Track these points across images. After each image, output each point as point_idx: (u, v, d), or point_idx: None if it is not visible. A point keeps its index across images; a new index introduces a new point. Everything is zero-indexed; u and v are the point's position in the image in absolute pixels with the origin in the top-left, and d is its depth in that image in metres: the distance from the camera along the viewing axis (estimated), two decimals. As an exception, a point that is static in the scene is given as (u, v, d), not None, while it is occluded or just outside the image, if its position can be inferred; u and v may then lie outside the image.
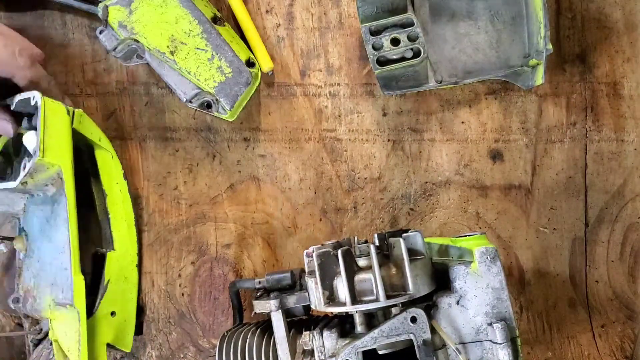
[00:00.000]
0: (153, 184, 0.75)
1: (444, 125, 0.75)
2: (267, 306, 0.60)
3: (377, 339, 0.52)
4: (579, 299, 0.74)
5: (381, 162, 0.75)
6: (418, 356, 0.51)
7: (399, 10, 0.68)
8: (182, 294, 0.75)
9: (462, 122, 0.75)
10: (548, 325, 0.74)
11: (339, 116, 0.75)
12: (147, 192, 0.75)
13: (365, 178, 0.75)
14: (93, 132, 0.70)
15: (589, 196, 0.74)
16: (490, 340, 0.53)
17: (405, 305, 0.53)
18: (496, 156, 0.75)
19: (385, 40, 0.66)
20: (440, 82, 0.70)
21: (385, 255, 0.55)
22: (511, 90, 0.74)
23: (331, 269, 0.54)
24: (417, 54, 0.66)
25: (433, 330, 0.53)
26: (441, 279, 0.56)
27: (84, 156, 0.71)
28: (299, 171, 0.75)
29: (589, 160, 0.74)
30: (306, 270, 0.60)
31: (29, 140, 0.62)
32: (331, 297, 0.54)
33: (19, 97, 0.63)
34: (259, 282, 0.65)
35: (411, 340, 0.51)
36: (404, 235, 0.55)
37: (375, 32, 0.66)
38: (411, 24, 0.66)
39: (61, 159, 0.63)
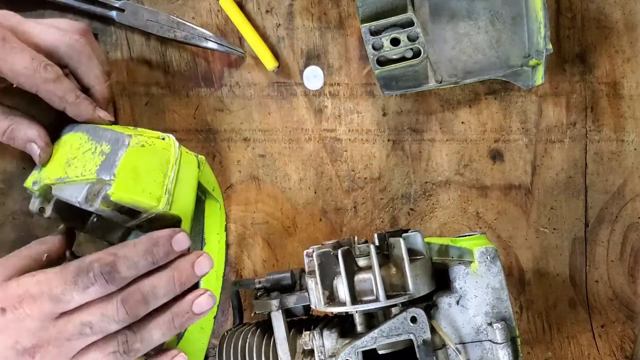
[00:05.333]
0: (153, 184, 0.75)
1: (444, 125, 0.75)
2: (267, 306, 0.60)
3: (377, 338, 0.52)
4: (579, 299, 0.74)
5: (381, 162, 0.75)
6: (418, 356, 0.51)
7: (399, 10, 0.68)
8: (182, 294, 0.76)
9: (462, 122, 0.75)
10: (548, 325, 0.74)
11: (339, 116, 0.75)
12: (147, 192, 0.75)
13: (365, 178, 0.75)
14: (209, 180, 0.69)
15: (589, 196, 0.74)
16: (490, 340, 0.53)
17: (405, 305, 0.53)
18: (496, 156, 0.75)
19: (385, 40, 0.66)
20: (440, 82, 0.70)
21: (385, 255, 0.55)
22: (511, 90, 0.74)
23: (331, 269, 0.54)
24: (417, 54, 0.66)
25: (433, 330, 0.53)
26: (441, 279, 0.56)
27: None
28: (299, 171, 0.75)
29: (589, 160, 0.74)
30: (306, 270, 0.60)
31: None
32: (331, 297, 0.54)
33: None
34: (259, 282, 0.65)
35: (411, 340, 0.51)
36: (403, 235, 0.55)
37: (375, 32, 0.66)
38: (411, 24, 0.66)
39: (184, 213, 0.61)
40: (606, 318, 0.74)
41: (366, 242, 0.58)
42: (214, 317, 0.72)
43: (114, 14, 0.73)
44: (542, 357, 0.74)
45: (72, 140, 0.62)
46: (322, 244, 0.58)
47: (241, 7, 0.75)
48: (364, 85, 0.75)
